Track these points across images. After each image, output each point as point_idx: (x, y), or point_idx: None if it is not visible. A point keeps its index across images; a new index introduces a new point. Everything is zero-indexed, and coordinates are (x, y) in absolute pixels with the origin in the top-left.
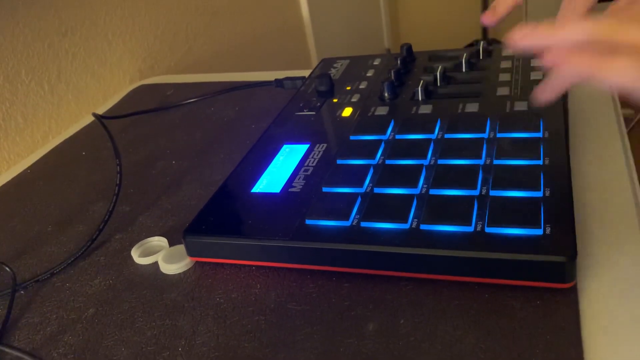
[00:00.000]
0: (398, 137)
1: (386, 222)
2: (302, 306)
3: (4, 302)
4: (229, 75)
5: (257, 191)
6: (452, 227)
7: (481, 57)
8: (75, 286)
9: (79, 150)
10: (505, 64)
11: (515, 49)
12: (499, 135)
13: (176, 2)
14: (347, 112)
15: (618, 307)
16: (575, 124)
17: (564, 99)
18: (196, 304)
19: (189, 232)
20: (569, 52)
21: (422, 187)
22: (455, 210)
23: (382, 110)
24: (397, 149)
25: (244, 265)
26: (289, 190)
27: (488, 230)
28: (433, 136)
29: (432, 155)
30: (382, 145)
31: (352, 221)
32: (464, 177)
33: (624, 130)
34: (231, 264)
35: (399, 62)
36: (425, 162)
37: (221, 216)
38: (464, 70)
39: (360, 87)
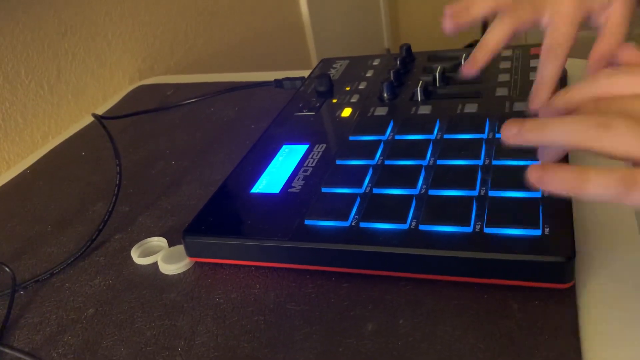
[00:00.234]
0: (397, 137)
1: (385, 223)
2: (301, 306)
3: (4, 302)
4: (229, 76)
5: (256, 191)
6: (451, 228)
7: None
8: (74, 286)
9: (78, 151)
10: (504, 65)
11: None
12: (498, 135)
13: (176, 2)
14: (347, 112)
15: (616, 308)
16: None
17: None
18: (195, 304)
19: (189, 233)
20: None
21: (421, 187)
22: (454, 211)
23: (381, 111)
24: (396, 149)
25: (244, 266)
26: (289, 190)
27: (487, 230)
28: (432, 137)
29: (431, 155)
30: (382, 145)
31: (351, 221)
32: (462, 177)
33: None
34: (230, 264)
35: (398, 62)
36: (424, 162)
37: (221, 216)
38: None
39: (360, 87)
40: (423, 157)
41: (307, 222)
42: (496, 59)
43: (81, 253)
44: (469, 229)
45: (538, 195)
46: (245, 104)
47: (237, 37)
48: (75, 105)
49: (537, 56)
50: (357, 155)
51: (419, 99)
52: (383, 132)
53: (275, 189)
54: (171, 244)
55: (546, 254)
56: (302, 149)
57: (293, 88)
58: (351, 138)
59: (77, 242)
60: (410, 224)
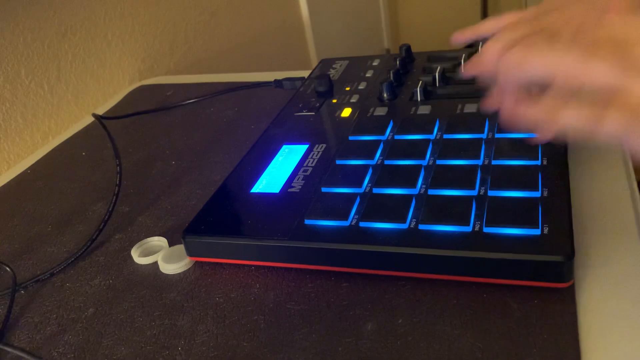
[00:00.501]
0: (397, 137)
1: (385, 222)
2: (300, 306)
3: (4, 301)
4: (229, 76)
5: (256, 191)
6: (450, 227)
7: None
8: (75, 286)
9: (79, 151)
10: None
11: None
12: (497, 135)
13: (176, 2)
14: (346, 112)
15: (615, 307)
16: None
17: None
18: (195, 304)
19: (189, 232)
20: (555, 106)
21: (421, 187)
22: (454, 210)
23: (381, 111)
24: (395, 149)
25: (243, 265)
26: (288, 190)
27: (486, 230)
28: (432, 136)
29: (431, 155)
30: (381, 145)
31: (351, 221)
32: (462, 177)
33: None
34: (230, 264)
35: (397, 62)
36: (423, 162)
37: (220, 216)
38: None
39: (359, 87)
40: (423, 157)
41: (307, 221)
42: None
43: (81, 253)
44: (468, 229)
45: (537, 194)
46: (245, 104)
47: (236, 37)
48: (75, 105)
49: None
50: (356, 155)
51: (419, 99)
52: (383, 132)
53: (275, 188)
54: (171, 243)
55: (545, 253)
56: (302, 149)
57: (293, 88)
58: (351, 138)
59: (77, 242)
60: (409, 224)
